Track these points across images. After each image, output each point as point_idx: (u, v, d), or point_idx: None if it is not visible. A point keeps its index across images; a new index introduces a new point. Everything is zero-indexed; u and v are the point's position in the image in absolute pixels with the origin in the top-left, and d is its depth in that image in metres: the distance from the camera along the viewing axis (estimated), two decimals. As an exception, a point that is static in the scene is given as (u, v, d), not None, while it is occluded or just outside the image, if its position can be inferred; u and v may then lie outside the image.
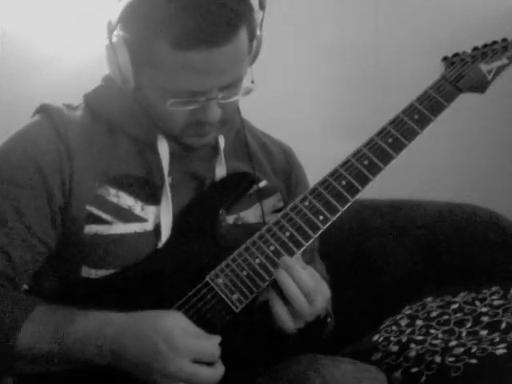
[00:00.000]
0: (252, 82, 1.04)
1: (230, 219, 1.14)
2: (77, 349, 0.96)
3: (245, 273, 1.02)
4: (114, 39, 1.00)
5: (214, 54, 0.96)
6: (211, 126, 1.06)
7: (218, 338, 0.96)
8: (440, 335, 1.33)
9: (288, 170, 1.25)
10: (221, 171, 1.13)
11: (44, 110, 1.10)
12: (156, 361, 0.92)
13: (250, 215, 1.16)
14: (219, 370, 0.96)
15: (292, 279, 0.99)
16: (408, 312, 1.44)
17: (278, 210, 1.18)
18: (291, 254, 1.02)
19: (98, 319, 0.96)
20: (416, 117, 1.11)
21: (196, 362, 0.93)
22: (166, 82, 0.99)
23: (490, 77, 1.18)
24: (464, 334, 1.32)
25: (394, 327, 1.41)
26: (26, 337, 0.97)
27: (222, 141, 1.14)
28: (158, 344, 0.92)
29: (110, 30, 1.01)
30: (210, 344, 0.96)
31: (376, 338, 1.40)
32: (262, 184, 1.18)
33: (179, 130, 1.06)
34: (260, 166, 1.20)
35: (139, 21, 0.98)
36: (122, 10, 0.99)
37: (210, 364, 0.95)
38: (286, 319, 1.00)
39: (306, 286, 0.99)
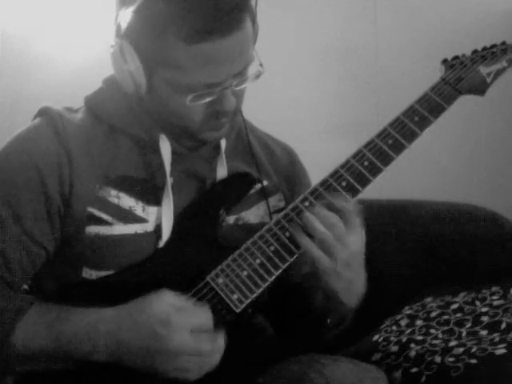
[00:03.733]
0: (260, 65, 1.05)
1: (231, 219, 1.14)
2: (72, 346, 0.96)
3: (245, 273, 1.02)
4: (122, 46, 1.00)
5: (226, 42, 0.97)
6: (227, 116, 1.06)
7: (206, 306, 0.98)
8: (440, 335, 1.33)
9: (291, 171, 1.25)
10: (222, 171, 1.14)
11: (44, 113, 1.10)
12: (156, 343, 0.93)
13: (251, 215, 1.16)
14: (220, 337, 0.96)
15: (317, 219, 1.00)
16: (408, 312, 1.45)
17: (279, 210, 1.18)
18: (292, 254, 1.02)
19: (92, 316, 0.97)
20: (416, 118, 1.11)
21: (195, 333, 0.94)
22: (182, 78, 0.99)
23: (489, 79, 1.18)
24: (464, 334, 1.32)
25: (394, 327, 1.41)
26: (21, 335, 0.97)
27: (223, 141, 1.14)
28: (154, 327, 0.93)
29: (119, 38, 1.01)
30: (202, 313, 0.97)
31: (376, 338, 1.40)
32: (264, 184, 1.18)
33: (197, 125, 1.06)
34: (262, 166, 1.20)
35: (148, 24, 0.98)
36: (129, 17, 0.99)
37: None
38: (315, 252, 1.00)
39: (332, 226, 0.99)
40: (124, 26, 1.00)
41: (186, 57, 0.97)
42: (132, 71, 1.01)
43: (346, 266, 1.01)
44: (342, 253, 1.00)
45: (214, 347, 0.96)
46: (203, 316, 0.97)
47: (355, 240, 1.01)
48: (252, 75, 1.04)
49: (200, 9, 0.95)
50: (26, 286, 1.14)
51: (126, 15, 1.00)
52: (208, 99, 1.01)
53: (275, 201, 1.20)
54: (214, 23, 0.95)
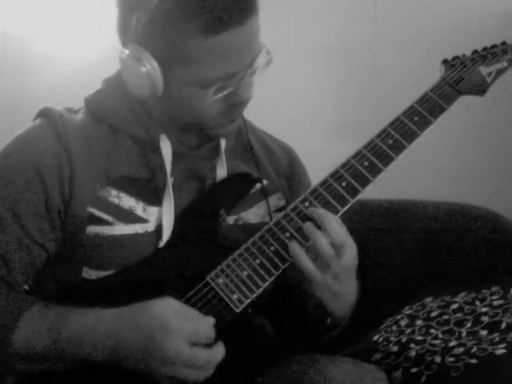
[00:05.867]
0: (268, 52, 1.05)
1: (231, 219, 1.14)
2: (72, 346, 0.96)
3: (245, 273, 1.02)
4: (137, 51, 1.01)
5: (243, 30, 0.97)
6: (243, 107, 1.07)
7: (211, 319, 0.97)
8: (440, 335, 1.33)
9: (290, 170, 1.26)
10: (222, 171, 1.14)
11: (45, 114, 1.11)
12: (153, 348, 0.93)
13: (251, 215, 1.16)
14: (218, 351, 0.96)
15: (321, 228, 0.99)
16: (408, 312, 1.45)
17: (279, 209, 1.19)
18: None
19: (93, 316, 0.97)
20: (416, 119, 1.11)
21: (194, 344, 0.94)
22: (202, 73, 1.00)
23: (489, 79, 1.18)
24: (464, 334, 1.32)
25: (394, 327, 1.41)
26: (21, 335, 0.97)
27: (223, 140, 1.14)
28: (153, 331, 0.93)
29: (132, 44, 1.01)
30: (204, 324, 0.96)
31: (376, 338, 1.40)
32: (264, 183, 1.18)
33: (214, 120, 1.06)
34: (261, 165, 1.20)
35: (164, 25, 0.98)
36: (142, 23, 0.98)
37: (208, 346, 0.96)
38: (309, 266, 0.99)
39: (335, 236, 0.98)
40: (136, 31, 1.00)
41: (206, 50, 0.97)
42: (150, 74, 1.01)
43: (335, 279, 1.01)
44: (333, 267, 1.00)
45: (209, 362, 0.95)
46: (205, 328, 0.96)
47: (348, 254, 1.01)
48: (263, 62, 1.04)
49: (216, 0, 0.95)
50: (26, 287, 1.14)
51: (138, 21, 0.99)
52: (228, 91, 1.02)
53: (275, 200, 1.20)
54: (231, 12, 0.95)
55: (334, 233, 0.98)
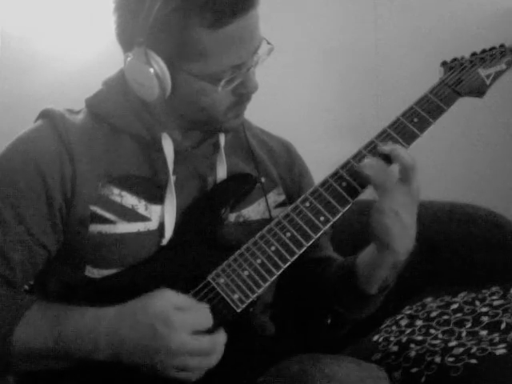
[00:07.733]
0: (268, 43, 1.06)
1: (232, 217, 1.15)
2: (72, 345, 0.96)
3: (246, 273, 1.02)
4: (145, 53, 1.01)
5: (247, 20, 0.99)
6: (250, 99, 1.08)
7: (206, 306, 0.98)
8: (440, 335, 1.33)
9: (290, 163, 1.27)
10: (222, 168, 1.14)
11: (46, 115, 1.11)
12: (157, 343, 0.93)
13: (252, 212, 1.17)
14: (220, 335, 0.97)
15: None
16: (408, 312, 1.45)
17: (279, 205, 1.19)
18: (292, 254, 1.02)
19: (93, 314, 0.97)
20: (416, 120, 1.11)
21: (195, 333, 0.95)
22: (211, 67, 1.01)
23: (488, 81, 1.19)
24: (464, 334, 1.32)
25: (394, 327, 1.41)
26: (21, 334, 0.97)
27: (222, 138, 1.15)
28: (155, 326, 0.93)
29: (137, 47, 1.01)
30: (202, 312, 0.97)
31: (376, 338, 1.40)
32: (262, 180, 1.19)
33: (223, 114, 1.07)
34: (259, 162, 1.21)
35: (168, 24, 0.98)
36: (146, 25, 0.99)
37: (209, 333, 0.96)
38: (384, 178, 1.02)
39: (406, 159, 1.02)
40: (141, 34, 1.00)
41: (213, 43, 0.98)
42: (158, 75, 1.02)
43: (403, 206, 1.01)
44: (399, 194, 1.01)
45: (213, 347, 0.96)
46: (203, 316, 0.97)
47: (416, 182, 1.02)
48: (264, 52, 1.06)
49: None
50: (26, 287, 1.14)
51: (142, 23, 0.99)
52: (236, 82, 1.03)
53: (274, 196, 1.21)
54: (235, 3, 0.96)
55: (402, 156, 1.02)
